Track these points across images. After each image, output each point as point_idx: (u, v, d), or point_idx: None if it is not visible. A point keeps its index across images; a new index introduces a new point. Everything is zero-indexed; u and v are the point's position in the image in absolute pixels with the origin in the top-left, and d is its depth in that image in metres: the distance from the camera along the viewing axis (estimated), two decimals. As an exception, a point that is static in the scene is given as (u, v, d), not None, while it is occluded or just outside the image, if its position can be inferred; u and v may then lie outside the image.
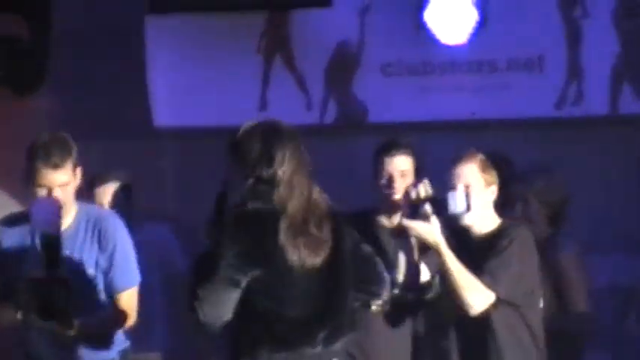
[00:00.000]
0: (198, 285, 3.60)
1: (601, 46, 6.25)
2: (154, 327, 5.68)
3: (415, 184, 4.53)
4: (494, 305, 4.42)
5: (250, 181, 3.57)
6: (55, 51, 6.23)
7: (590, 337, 5.31)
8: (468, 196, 4.48)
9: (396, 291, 4.48)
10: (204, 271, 3.60)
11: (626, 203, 6.15)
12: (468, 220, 4.51)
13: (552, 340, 4.69)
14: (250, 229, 3.42)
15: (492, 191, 4.55)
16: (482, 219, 4.55)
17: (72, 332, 4.16)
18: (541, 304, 4.62)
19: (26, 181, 4.29)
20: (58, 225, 4.10)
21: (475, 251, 4.49)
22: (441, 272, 4.40)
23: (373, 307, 4.42)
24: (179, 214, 5.90)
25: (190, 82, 6.35)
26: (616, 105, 6.31)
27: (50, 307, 4.12)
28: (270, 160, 3.50)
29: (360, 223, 4.28)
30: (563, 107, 6.27)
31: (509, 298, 4.40)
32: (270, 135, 3.62)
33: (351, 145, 6.16)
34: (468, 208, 4.47)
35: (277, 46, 6.36)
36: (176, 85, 6.37)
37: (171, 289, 5.69)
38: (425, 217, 4.34)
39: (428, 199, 4.43)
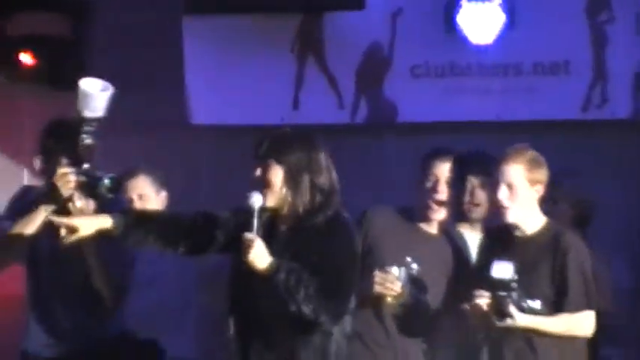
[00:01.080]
0: (344, 300, 4.11)
1: (625, 50, 6.25)
2: (188, 314, 6.17)
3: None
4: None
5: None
6: (94, 48, 6.41)
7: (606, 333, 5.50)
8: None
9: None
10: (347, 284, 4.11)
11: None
12: (511, 219, 4.62)
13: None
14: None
15: (537, 190, 4.61)
16: (527, 218, 4.63)
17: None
18: None
19: None
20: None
21: (522, 251, 4.58)
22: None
23: (388, 299, 4.68)
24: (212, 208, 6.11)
25: (226, 81, 6.51)
26: (638, 108, 6.39)
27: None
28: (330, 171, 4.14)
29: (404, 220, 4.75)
30: (589, 110, 6.30)
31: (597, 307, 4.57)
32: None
33: (380, 143, 6.32)
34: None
35: (310, 47, 6.52)
36: (212, 84, 6.51)
37: (204, 281, 6.02)
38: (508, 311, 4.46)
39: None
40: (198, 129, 6.54)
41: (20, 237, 4.67)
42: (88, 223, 4.40)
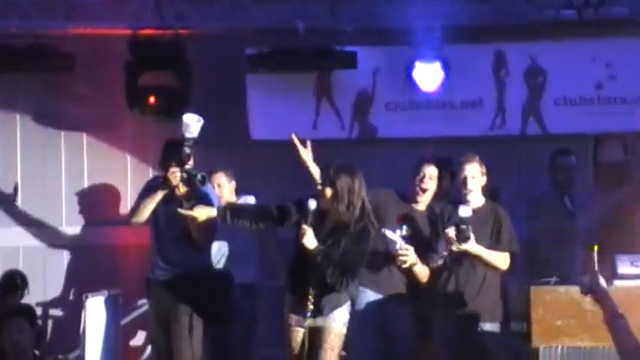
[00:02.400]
0: (353, 278, 5.44)
1: (516, 92, 7.71)
2: (248, 262, 7.18)
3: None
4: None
5: None
6: (193, 90, 7.68)
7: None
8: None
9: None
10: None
11: None
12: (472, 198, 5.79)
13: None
14: None
15: (484, 180, 6.07)
16: (476, 197, 6.06)
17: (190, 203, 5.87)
18: None
19: None
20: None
21: (472, 218, 5.83)
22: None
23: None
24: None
25: (275, 112, 7.87)
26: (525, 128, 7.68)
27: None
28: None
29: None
30: (493, 129, 7.71)
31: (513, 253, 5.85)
32: None
33: (367, 151, 7.57)
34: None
35: (324, 91, 7.97)
36: (266, 114, 7.86)
37: (259, 239, 7.17)
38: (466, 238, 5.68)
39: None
40: (257, 142, 7.90)
41: (148, 206, 6.26)
42: (203, 212, 5.76)
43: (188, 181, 5.98)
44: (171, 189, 6.07)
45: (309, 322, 5.65)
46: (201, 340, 6.25)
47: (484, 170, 6.18)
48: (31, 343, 6.75)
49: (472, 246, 5.85)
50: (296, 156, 5.83)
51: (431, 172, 6.30)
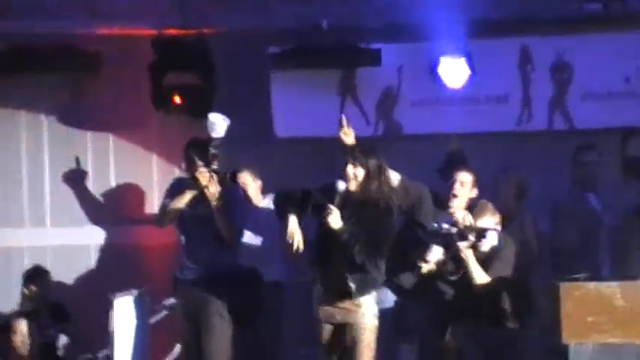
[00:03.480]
0: (382, 256, 5.43)
1: (542, 87, 7.70)
2: (275, 259, 7.26)
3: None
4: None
5: None
6: (217, 89, 7.73)
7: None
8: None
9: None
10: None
11: None
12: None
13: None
14: None
15: (474, 192, 6.13)
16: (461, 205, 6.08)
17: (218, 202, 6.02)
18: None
19: None
20: None
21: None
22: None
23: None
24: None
25: (299, 110, 7.89)
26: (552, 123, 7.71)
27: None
28: None
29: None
30: (520, 124, 7.75)
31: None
32: None
33: (392, 148, 7.25)
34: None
35: (348, 89, 7.96)
36: (290, 111, 7.91)
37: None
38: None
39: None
40: (281, 140, 7.96)
41: (176, 208, 6.34)
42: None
43: (218, 180, 6.09)
44: (200, 189, 6.15)
45: (338, 314, 5.66)
46: (231, 339, 6.32)
47: (474, 182, 6.24)
48: (56, 341, 6.88)
49: (465, 249, 5.93)
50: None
51: (462, 179, 6.28)
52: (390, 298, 6.55)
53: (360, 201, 5.70)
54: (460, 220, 5.88)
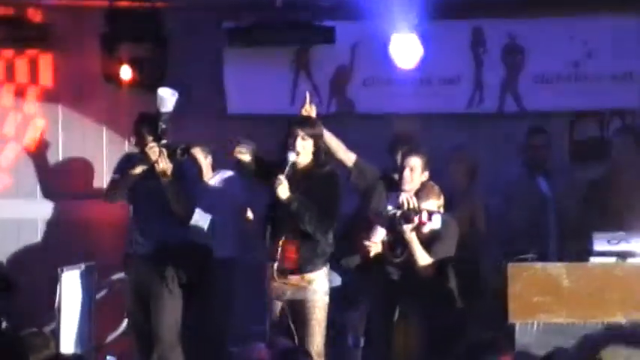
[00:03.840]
0: (330, 222, 5.57)
1: (493, 69, 7.76)
2: (227, 236, 7.25)
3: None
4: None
5: None
6: (169, 63, 7.76)
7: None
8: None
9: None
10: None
11: None
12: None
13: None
14: None
15: (425, 175, 6.18)
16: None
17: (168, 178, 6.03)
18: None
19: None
20: None
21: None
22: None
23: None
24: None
25: (251, 86, 7.89)
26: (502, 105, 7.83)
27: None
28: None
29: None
30: (472, 106, 7.83)
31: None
32: None
33: (344, 127, 7.36)
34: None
35: (302, 66, 7.96)
36: (243, 88, 7.89)
37: (237, 213, 7.30)
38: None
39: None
40: (233, 116, 7.92)
41: (125, 182, 6.37)
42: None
43: (168, 155, 6.10)
44: (151, 164, 6.18)
45: (289, 290, 5.70)
46: (180, 316, 6.34)
47: (425, 165, 6.27)
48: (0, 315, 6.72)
49: (409, 231, 5.97)
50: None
51: (412, 164, 6.31)
52: (337, 278, 6.61)
53: (307, 171, 5.79)
54: (405, 203, 5.91)
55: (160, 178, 6.16)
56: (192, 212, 6.48)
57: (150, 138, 6.23)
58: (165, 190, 6.20)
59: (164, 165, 6.10)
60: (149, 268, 6.30)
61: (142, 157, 6.21)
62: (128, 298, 6.55)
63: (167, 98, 6.07)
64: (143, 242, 6.38)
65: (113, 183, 6.49)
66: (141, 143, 6.33)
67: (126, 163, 6.50)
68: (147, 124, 6.30)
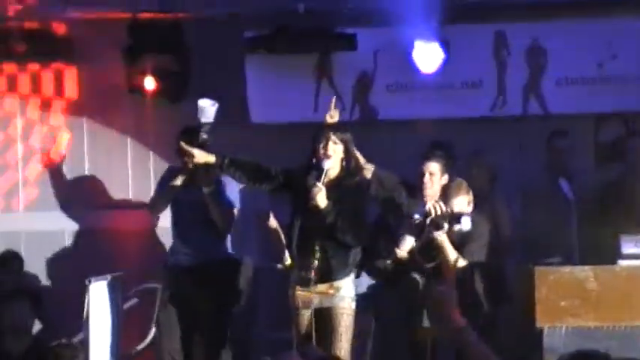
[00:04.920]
0: (364, 230, 5.56)
1: (517, 73, 7.82)
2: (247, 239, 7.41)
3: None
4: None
5: None
6: (192, 74, 7.84)
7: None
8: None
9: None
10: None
11: None
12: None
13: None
14: None
15: (471, 206, 6.14)
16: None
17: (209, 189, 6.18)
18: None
19: None
20: None
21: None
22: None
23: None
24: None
25: (274, 95, 7.93)
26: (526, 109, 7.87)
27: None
28: None
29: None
30: (494, 110, 7.82)
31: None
32: None
33: (368, 134, 7.27)
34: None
35: (324, 73, 8.00)
36: (265, 97, 7.95)
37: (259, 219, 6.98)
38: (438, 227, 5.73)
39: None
40: (256, 124, 8.01)
41: (167, 194, 6.55)
42: (202, 155, 5.78)
43: (208, 166, 6.11)
44: (191, 174, 6.35)
45: (315, 298, 5.67)
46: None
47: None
48: (30, 326, 6.74)
49: (440, 237, 5.97)
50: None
51: (431, 170, 6.30)
52: (363, 284, 6.58)
53: (337, 180, 5.77)
54: (432, 210, 5.91)
55: (201, 188, 6.29)
56: (231, 225, 6.62)
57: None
58: (207, 201, 6.33)
59: (205, 174, 6.25)
60: (193, 280, 6.40)
61: (183, 168, 6.35)
62: (160, 307, 6.63)
63: (207, 108, 6.13)
64: (186, 253, 6.51)
65: (156, 195, 6.69)
66: (182, 155, 6.37)
67: (168, 175, 6.68)
68: (188, 135, 6.33)
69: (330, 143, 5.75)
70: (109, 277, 6.78)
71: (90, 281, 6.52)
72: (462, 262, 6.05)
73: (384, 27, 7.51)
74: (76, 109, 8.18)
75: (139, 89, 7.85)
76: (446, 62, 7.67)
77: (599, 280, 5.69)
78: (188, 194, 6.43)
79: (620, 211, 6.78)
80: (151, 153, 7.97)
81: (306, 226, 5.73)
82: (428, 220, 5.91)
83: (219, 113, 6.22)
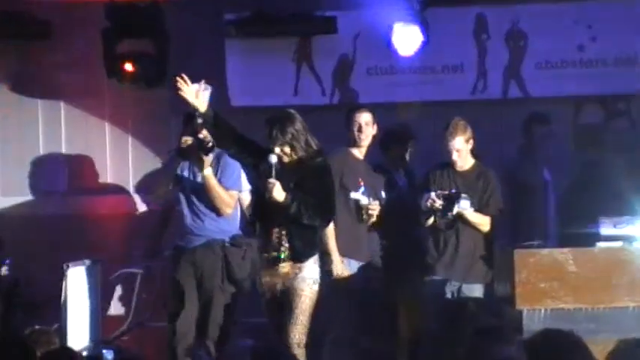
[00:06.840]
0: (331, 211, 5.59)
1: (497, 56, 7.85)
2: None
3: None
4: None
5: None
6: (171, 57, 7.76)
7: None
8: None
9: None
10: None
11: None
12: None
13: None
14: None
15: (470, 144, 6.21)
16: (464, 160, 6.26)
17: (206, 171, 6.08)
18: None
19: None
20: None
21: (460, 181, 6.12)
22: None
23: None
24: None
25: (253, 78, 7.94)
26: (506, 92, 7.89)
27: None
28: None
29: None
30: (475, 93, 7.84)
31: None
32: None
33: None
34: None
35: (304, 57, 8.03)
36: (245, 80, 7.95)
37: None
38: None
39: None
40: (237, 109, 7.88)
41: (166, 179, 6.41)
42: (191, 91, 5.62)
43: (198, 148, 6.10)
44: (186, 158, 6.26)
45: (278, 282, 5.61)
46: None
47: (469, 135, 6.26)
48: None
49: (458, 210, 6.05)
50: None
51: (366, 119, 6.43)
52: (353, 265, 6.49)
53: (299, 163, 5.69)
54: (433, 203, 6.06)
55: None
56: (235, 208, 6.50)
57: (187, 133, 6.30)
58: (208, 182, 6.26)
59: (205, 158, 6.18)
60: (201, 263, 6.35)
61: (179, 152, 6.28)
62: (170, 290, 6.56)
63: (200, 93, 5.99)
64: (192, 236, 6.42)
65: (157, 179, 6.68)
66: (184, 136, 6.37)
67: (170, 161, 6.62)
68: (190, 120, 6.29)
69: (276, 149, 5.73)
70: (87, 262, 6.75)
71: (67, 266, 6.47)
72: (485, 220, 6.14)
73: (363, 10, 7.53)
74: (53, 93, 8.20)
75: (117, 73, 7.82)
76: (426, 45, 7.67)
77: (578, 262, 5.71)
78: (194, 179, 6.40)
79: (599, 193, 6.80)
80: (130, 137, 7.99)
81: (266, 207, 5.69)
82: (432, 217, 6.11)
83: (213, 97, 6.11)
